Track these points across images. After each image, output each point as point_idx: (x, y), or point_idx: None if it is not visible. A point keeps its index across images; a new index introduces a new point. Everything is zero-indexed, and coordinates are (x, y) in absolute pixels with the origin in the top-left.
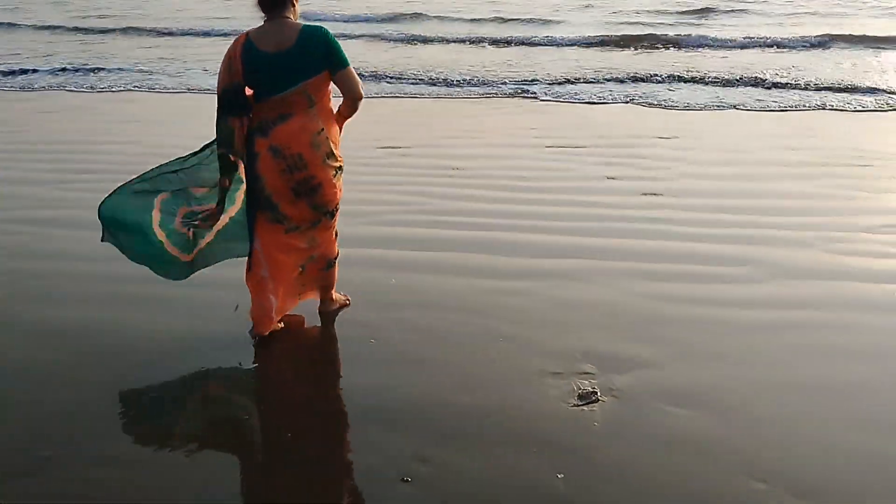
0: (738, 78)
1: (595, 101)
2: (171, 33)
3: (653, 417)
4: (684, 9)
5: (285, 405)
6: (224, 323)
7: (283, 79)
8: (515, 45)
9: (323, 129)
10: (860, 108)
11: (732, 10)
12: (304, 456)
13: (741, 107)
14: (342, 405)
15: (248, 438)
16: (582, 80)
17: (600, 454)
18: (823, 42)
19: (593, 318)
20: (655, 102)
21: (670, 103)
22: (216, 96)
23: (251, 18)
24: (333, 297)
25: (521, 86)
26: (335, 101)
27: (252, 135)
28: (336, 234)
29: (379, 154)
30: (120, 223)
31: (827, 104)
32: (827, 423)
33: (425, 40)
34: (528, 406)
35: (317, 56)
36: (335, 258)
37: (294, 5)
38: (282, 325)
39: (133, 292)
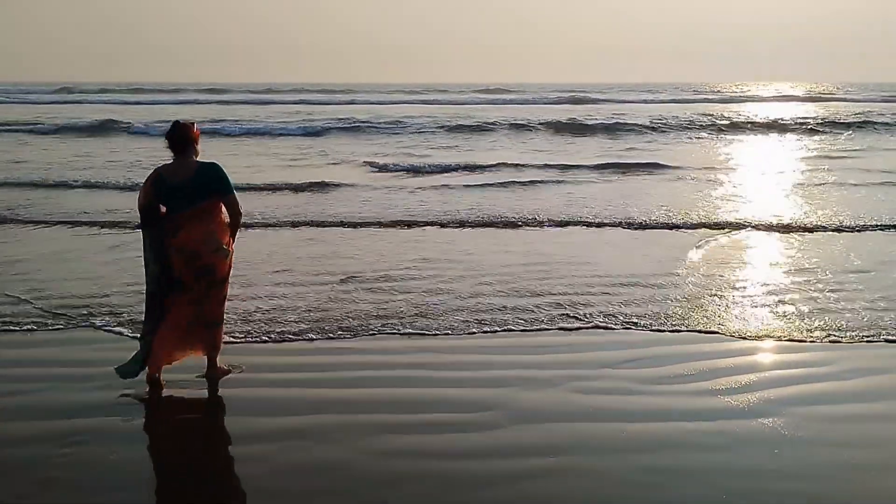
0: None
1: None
2: None
3: None
4: None
5: None
6: None
7: (185, 202)
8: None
9: (214, 231)
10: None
11: None
12: None
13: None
14: None
15: None
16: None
17: None
18: None
19: (322, 483)
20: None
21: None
22: (138, 212)
23: None
24: (218, 364)
25: None
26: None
27: (165, 237)
28: (224, 299)
29: None
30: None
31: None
32: None
33: None
34: None
35: (209, 185)
36: (221, 320)
37: (195, 147)
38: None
39: None
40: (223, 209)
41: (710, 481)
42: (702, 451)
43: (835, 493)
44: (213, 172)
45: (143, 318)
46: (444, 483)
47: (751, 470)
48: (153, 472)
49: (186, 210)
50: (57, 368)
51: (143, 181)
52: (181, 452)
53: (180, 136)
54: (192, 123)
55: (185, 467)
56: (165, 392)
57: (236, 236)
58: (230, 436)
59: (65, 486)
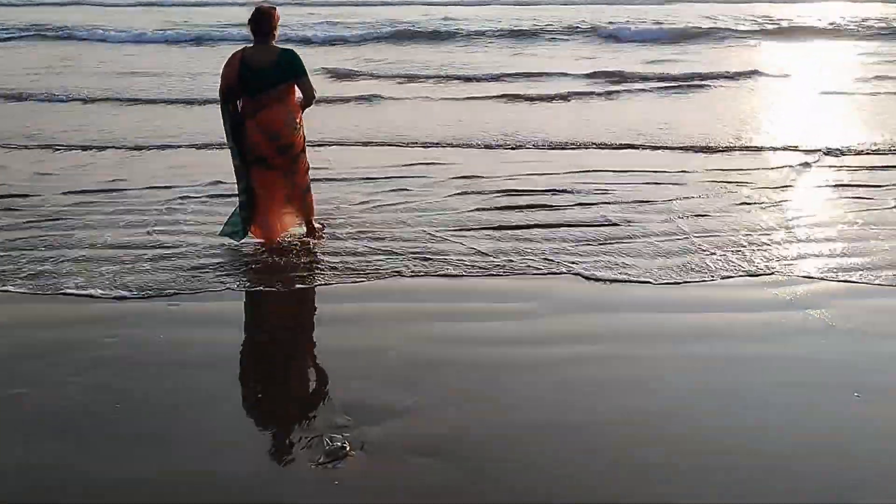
0: None
1: None
2: None
3: (397, 470)
4: None
5: None
6: None
7: (265, 84)
8: None
9: (290, 112)
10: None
11: None
12: None
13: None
14: None
15: None
16: None
17: None
18: None
19: (360, 366)
20: None
21: None
22: (219, 90)
23: None
24: (314, 225)
25: None
26: None
27: (244, 117)
28: (308, 169)
29: None
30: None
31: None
32: (569, 461)
33: None
34: (270, 471)
35: (287, 70)
36: (308, 188)
37: (274, 33)
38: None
39: None
40: (296, 91)
41: (759, 369)
42: (750, 340)
43: (881, 383)
44: (292, 57)
45: None
46: (483, 367)
47: (797, 360)
48: (199, 354)
49: (269, 91)
50: (103, 250)
51: (225, 62)
52: (226, 337)
53: (263, 22)
54: (274, 8)
55: (229, 351)
56: (213, 277)
57: (305, 111)
58: (273, 321)
59: (114, 365)
